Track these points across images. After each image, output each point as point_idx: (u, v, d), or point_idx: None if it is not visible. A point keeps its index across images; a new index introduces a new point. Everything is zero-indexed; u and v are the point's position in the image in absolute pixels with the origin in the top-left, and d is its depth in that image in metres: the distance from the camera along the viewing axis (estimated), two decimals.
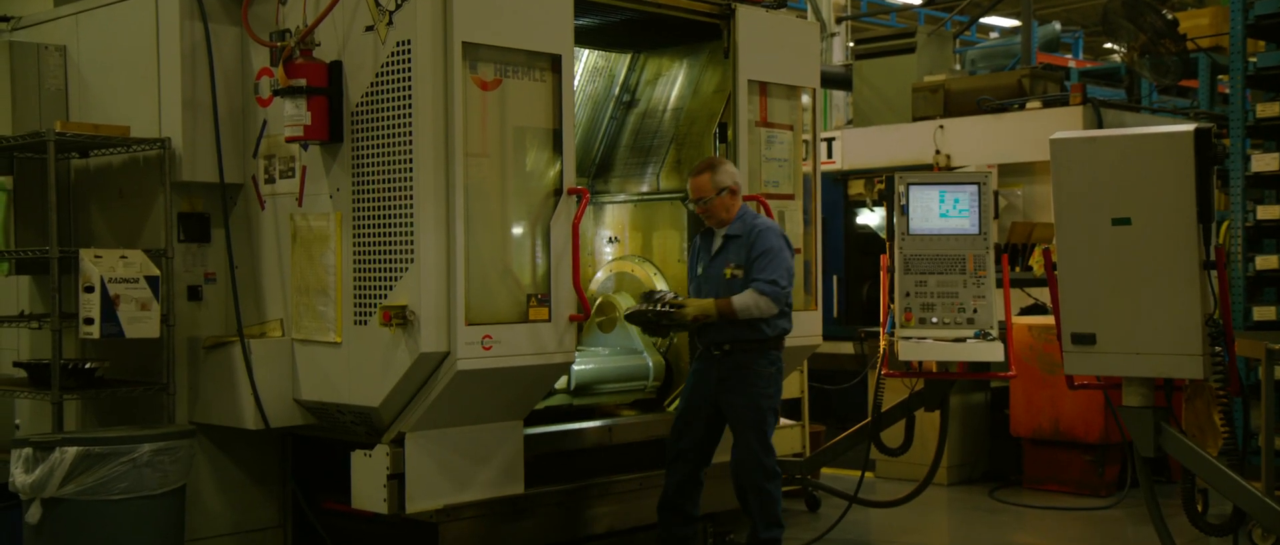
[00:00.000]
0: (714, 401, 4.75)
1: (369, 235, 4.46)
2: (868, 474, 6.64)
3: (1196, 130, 4.23)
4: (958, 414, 6.53)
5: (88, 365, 4.65)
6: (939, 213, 5.38)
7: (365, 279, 4.48)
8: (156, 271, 4.54)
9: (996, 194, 6.93)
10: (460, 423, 4.53)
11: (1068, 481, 6.66)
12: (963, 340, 5.20)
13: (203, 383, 4.82)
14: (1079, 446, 6.60)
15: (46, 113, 5.05)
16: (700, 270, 4.83)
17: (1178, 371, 4.28)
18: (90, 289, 4.36)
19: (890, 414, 5.55)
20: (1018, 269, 7.10)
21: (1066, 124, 7.20)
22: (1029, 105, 7.82)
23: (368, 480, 4.48)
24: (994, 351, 5.17)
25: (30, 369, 4.78)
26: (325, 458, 4.98)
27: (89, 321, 4.36)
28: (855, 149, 8.82)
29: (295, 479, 5.09)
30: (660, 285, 5.53)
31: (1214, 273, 4.30)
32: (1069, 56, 12.57)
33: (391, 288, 4.39)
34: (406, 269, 4.34)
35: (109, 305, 4.36)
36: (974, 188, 5.37)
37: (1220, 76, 8.98)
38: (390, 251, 4.39)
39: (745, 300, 4.61)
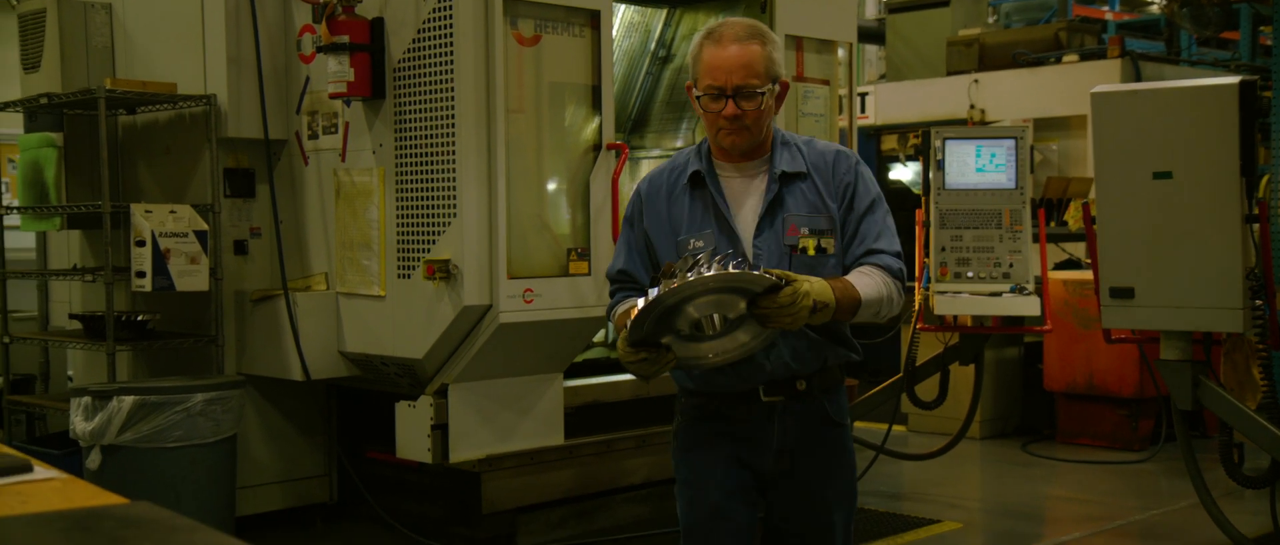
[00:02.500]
0: (770, 494, 2.61)
1: (412, 190, 4.52)
2: (900, 428, 6.71)
3: (1241, 83, 4.21)
4: (991, 368, 6.56)
5: (140, 317, 4.75)
6: (975, 167, 5.38)
7: (408, 233, 4.55)
8: (205, 226, 4.63)
9: (1032, 148, 6.90)
10: (502, 374, 4.60)
11: (1101, 436, 6.69)
12: (998, 295, 5.22)
13: (250, 335, 4.92)
14: (1113, 401, 6.62)
15: (94, 70, 5.12)
16: (691, 244, 2.53)
17: (1218, 325, 4.30)
18: (141, 243, 4.45)
19: (924, 368, 5.59)
20: (1053, 224, 7.09)
21: (1104, 77, 7.15)
22: (1066, 59, 7.77)
23: (411, 431, 4.57)
24: (1029, 306, 5.19)
25: (85, 321, 4.89)
26: (369, 409, 5.08)
27: (141, 275, 4.46)
28: (889, 104, 8.79)
29: (340, 429, 5.20)
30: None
31: (1255, 226, 4.30)
32: (1106, 8, 12.42)
33: (434, 242, 4.45)
34: (449, 223, 4.40)
35: (160, 259, 4.46)
36: (1011, 142, 5.36)
37: (1262, 27, 8.87)
38: (433, 206, 4.45)
39: (876, 286, 2.49)
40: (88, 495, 1.53)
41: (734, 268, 2.22)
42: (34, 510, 1.43)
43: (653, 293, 2.22)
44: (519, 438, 4.68)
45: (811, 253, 2.50)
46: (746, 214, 2.54)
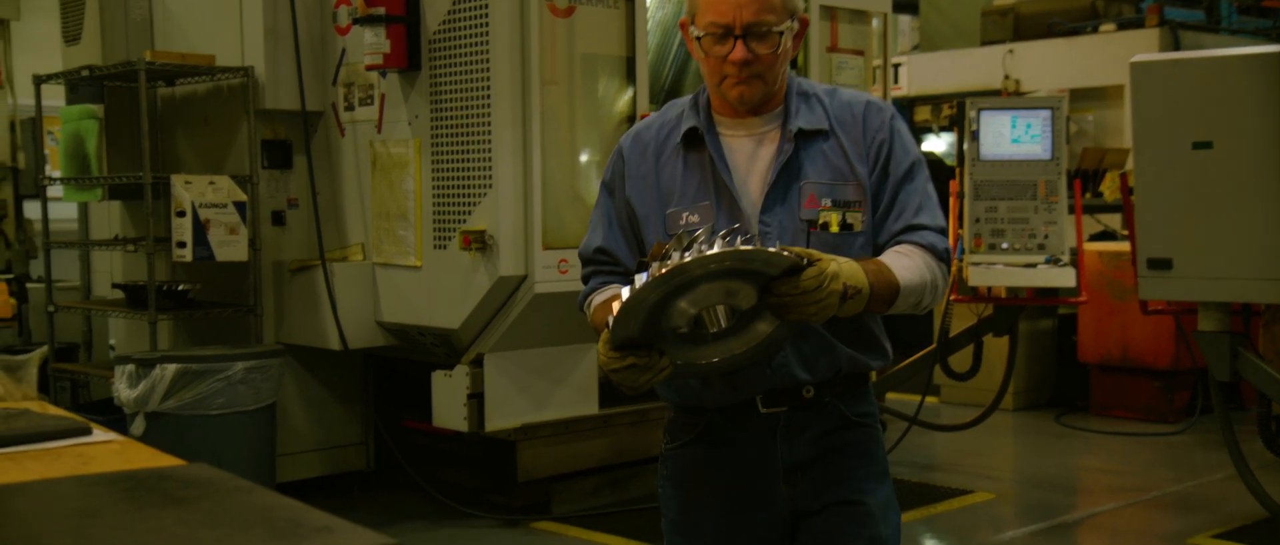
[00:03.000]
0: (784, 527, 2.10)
1: (447, 161, 4.55)
2: (933, 399, 6.70)
3: None
4: (1025, 340, 6.54)
5: (180, 287, 4.81)
6: (1010, 138, 5.35)
7: (444, 204, 4.58)
8: (243, 197, 4.67)
9: (1068, 119, 6.85)
10: (537, 344, 4.64)
11: (1135, 408, 6.66)
12: (1033, 266, 5.21)
13: (288, 305, 4.98)
14: (1148, 373, 6.58)
15: (133, 43, 5.17)
16: (685, 219, 2.05)
17: (1258, 296, 4.27)
18: (182, 214, 4.50)
19: (958, 339, 5.58)
20: (1089, 195, 7.04)
21: (1142, 47, 7.07)
22: (1102, 28, 7.69)
23: (448, 399, 4.62)
24: (1064, 277, 5.17)
25: (127, 290, 4.96)
26: (406, 378, 5.14)
27: (182, 245, 4.51)
28: (922, 74, 8.73)
29: (377, 398, 5.26)
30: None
31: None
32: None
33: (470, 213, 4.48)
34: (485, 194, 4.42)
35: (200, 229, 4.51)
36: (1047, 113, 5.33)
37: None
38: (468, 177, 4.48)
39: (918, 270, 2.01)
40: (146, 457, 1.57)
41: (742, 245, 1.72)
42: (96, 471, 1.47)
43: (641, 279, 1.70)
44: (554, 407, 4.72)
45: (835, 230, 1.98)
46: (754, 182, 2.01)
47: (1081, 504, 5.33)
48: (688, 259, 1.69)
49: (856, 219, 2.01)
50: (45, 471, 1.47)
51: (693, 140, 2.04)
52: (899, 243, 2.01)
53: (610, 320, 1.76)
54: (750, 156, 2.03)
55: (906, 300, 1.94)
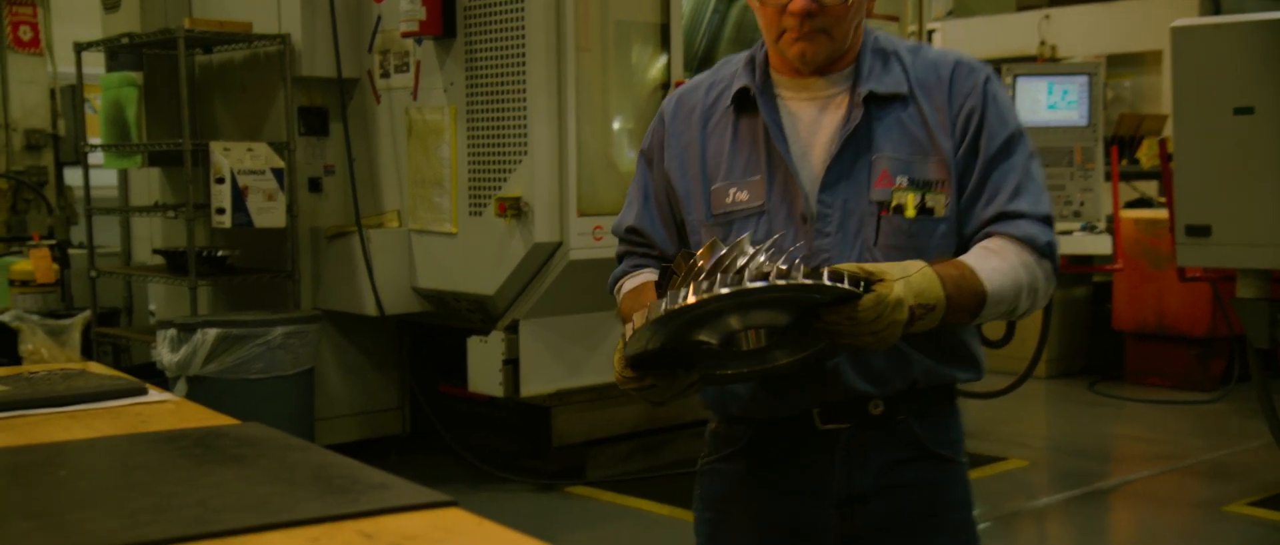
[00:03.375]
0: None
1: (482, 128, 4.57)
2: None
3: None
4: (1059, 307, 6.51)
5: (219, 253, 4.87)
6: (1047, 104, 5.32)
7: (479, 171, 4.60)
8: (281, 163, 4.72)
9: (1105, 85, 6.79)
10: (571, 311, 4.67)
11: (1171, 376, 6.63)
12: (1068, 233, 5.19)
13: (324, 271, 5.03)
14: (1184, 340, 6.55)
15: (171, 10, 5.21)
16: (732, 196, 1.76)
17: None
18: (221, 180, 4.55)
19: None
20: (1126, 162, 6.99)
21: (1181, 11, 6.98)
22: None
23: (483, 365, 4.66)
24: (1100, 244, 5.15)
25: (168, 256, 5.03)
26: (441, 344, 5.18)
27: (221, 211, 4.57)
28: (956, 40, 8.66)
29: (412, 363, 5.31)
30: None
31: None
32: None
33: (505, 179, 4.50)
34: (520, 161, 4.44)
35: (238, 196, 4.56)
36: (1084, 79, 5.29)
37: None
38: (504, 144, 4.50)
39: (1011, 271, 1.66)
40: (201, 416, 1.60)
41: (786, 268, 1.42)
42: (154, 429, 1.50)
43: (663, 306, 1.41)
44: (588, 372, 4.76)
45: (911, 214, 1.66)
46: (816, 154, 1.69)
47: (1115, 471, 5.33)
48: (721, 285, 1.38)
49: (938, 202, 1.68)
50: (107, 429, 1.51)
51: (745, 103, 1.72)
52: (990, 235, 1.66)
53: (626, 331, 1.47)
54: (812, 124, 1.70)
55: (995, 309, 1.60)
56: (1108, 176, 5.35)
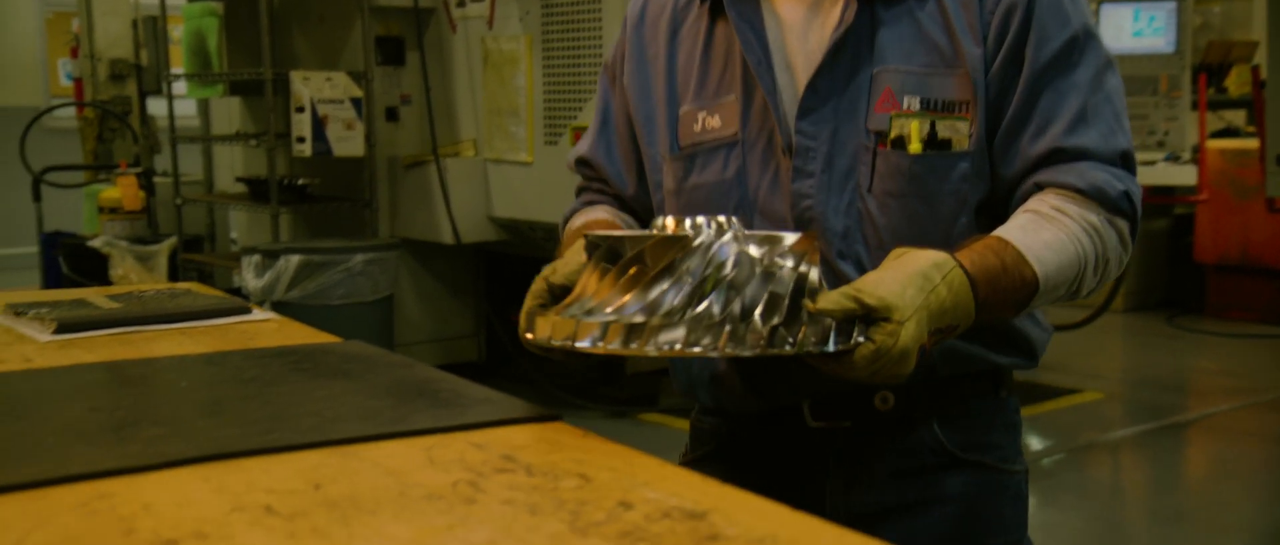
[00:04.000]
0: None
1: (558, 57, 4.57)
2: None
3: None
4: (1139, 239, 6.40)
5: (299, 181, 4.95)
6: (1132, 31, 5.20)
7: (555, 100, 4.62)
8: (359, 93, 4.77)
9: (1193, 11, 6.60)
10: None
11: (1253, 309, 6.51)
12: (1152, 163, 5.09)
13: (401, 200, 5.10)
14: (1268, 273, 6.42)
15: None
16: (702, 122, 1.35)
17: None
18: (301, 109, 4.61)
19: None
20: (1213, 90, 6.81)
21: None
22: None
23: None
24: (1185, 175, 5.05)
25: (250, 184, 5.13)
26: (516, 272, 5.25)
27: (301, 140, 4.64)
28: None
29: (488, 291, 5.39)
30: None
31: None
32: None
33: (581, 108, 4.51)
34: (595, 90, 4.44)
35: (318, 125, 4.62)
36: (1171, 5, 5.15)
37: None
38: (579, 73, 4.50)
39: (1071, 242, 1.19)
40: (304, 334, 1.66)
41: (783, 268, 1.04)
42: (261, 345, 1.56)
43: (603, 342, 1.05)
44: None
45: (915, 148, 1.24)
46: (802, 67, 1.30)
47: (1193, 405, 5.27)
48: (658, 346, 1.02)
49: (957, 131, 1.24)
50: (217, 345, 1.56)
51: (719, 4, 1.34)
52: (1044, 189, 1.22)
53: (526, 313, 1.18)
54: (802, 31, 1.30)
55: (1049, 297, 1.18)
56: (1194, 105, 5.23)
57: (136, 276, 4.94)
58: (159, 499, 0.95)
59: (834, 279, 1.26)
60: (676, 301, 1.03)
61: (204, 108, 6.01)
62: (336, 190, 5.17)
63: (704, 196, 1.34)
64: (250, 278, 4.31)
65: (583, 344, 1.05)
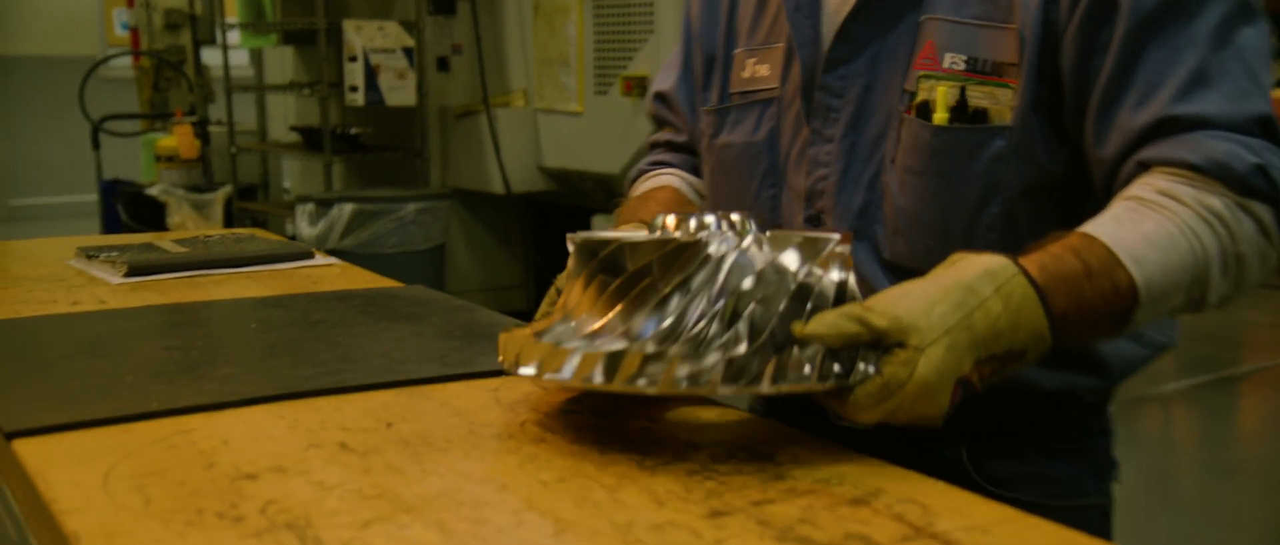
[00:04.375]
0: None
1: (608, 6, 4.56)
2: None
3: None
4: None
5: (352, 131, 5.00)
6: None
7: (605, 50, 4.61)
8: (411, 42, 4.79)
9: None
10: None
11: None
12: None
13: (452, 149, 5.13)
14: None
15: None
16: (750, 69, 1.22)
17: None
18: (354, 59, 4.64)
19: None
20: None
21: None
22: None
23: None
24: None
25: (303, 133, 5.18)
26: (565, 222, 5.26)
27: (354, 89, 4.67)
28: None
29: (537, 241, 5.42)
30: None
31: None
32: None
33: (631, 58, 4.51)
34: (645, 40, 4.43)
35: (371, 74, 4.65)
36: None
37: None
38: (629, 23, 4.49)
39: (1184, 237, 0.92)
40: (367, 279, 1.69)
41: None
42: (324, 289, 1.59)
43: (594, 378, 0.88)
44: None
45: (941, 119, 1.04)
46: (836, 9, 1.12)
47: (1247, 358, 5.21)
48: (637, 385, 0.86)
49: (998, 102, 1.03)
50: (283, 288, 1.60)
51: None
52: (1147, 166, 0.96)
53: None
54: None
55: (1164, 304, 0.92)
56: (1276, 55, 5.12)
57: (192, 224, 5.02)
58: (236, 435, 0.98)
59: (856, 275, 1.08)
60: (697, 328, 0.87)
61: (257, 57, 6.07)
62: (388, 140, 5.21)
63: (733, 158, 1.20)
64: (304, 226, 4.37)
65: (565, 375, 0.88)
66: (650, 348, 0.87)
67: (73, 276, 1.69)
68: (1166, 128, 0.96)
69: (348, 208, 4.32)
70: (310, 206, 4.36)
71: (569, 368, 0.88)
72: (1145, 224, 0.92)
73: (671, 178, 1.34)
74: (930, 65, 1.06)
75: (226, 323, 1.40)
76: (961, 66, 1.04)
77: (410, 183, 4.99)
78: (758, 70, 1.19)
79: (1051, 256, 0.90)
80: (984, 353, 0.85)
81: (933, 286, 0.86)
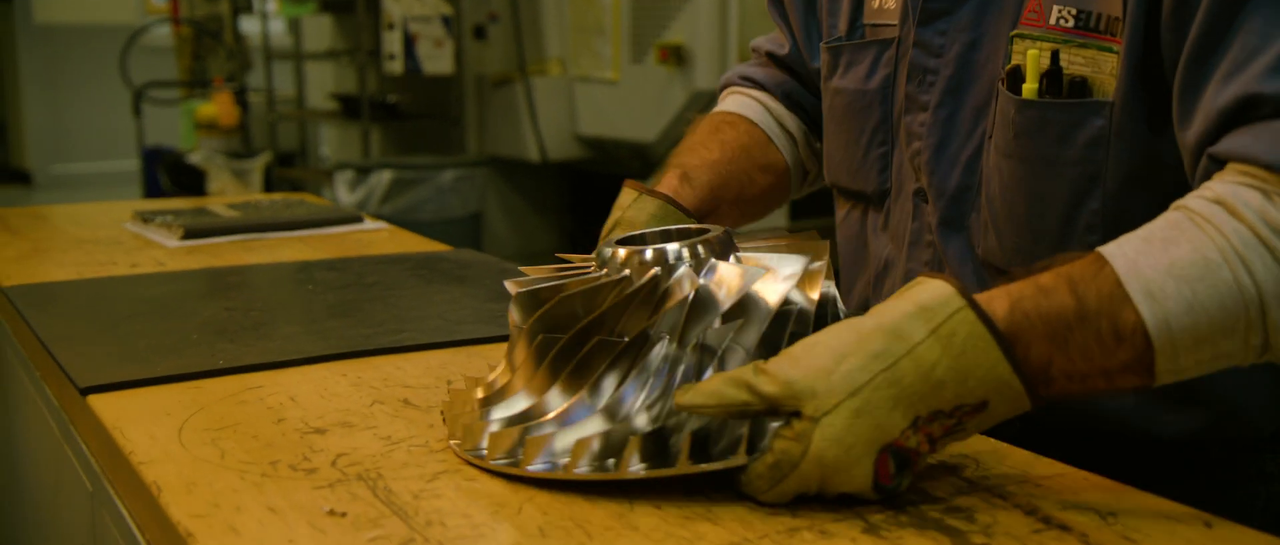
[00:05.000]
0: None
1: None
2: None
3: None
4: None
5: (390, 99, 5.03)
6: None
7: (641, 18, 4.61)
8: (449, 10, 4.81)
9: None
10: None
11: None
12: None
13: (489, 117, 5.15)
14: None
15: None
16: (880, 2, 1.05)
17: None
18: (392, 27, 4.67)
19: None
20: None
21: None
22: None
23: None
24: None
25: (343, 101, 5.22)
26: (600, 190, 5.29)
27: (392, 57, 4.70)
28: None
29: (572, 209, 5.45)
30: None
31: None
32: None
33: (667, 26, 4.50)
34: (682, 8, 4.43)
35: (409, 42, 4.68)
36: None
37: None
38: None
39: (1233, 256, 0.70)
40: (416, 243, 1.72)
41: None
42: (376, 253, 1.62)
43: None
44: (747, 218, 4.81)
45: (1030, 89, 0.88)
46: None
47: None
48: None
49: (1101, 70, 0.86)
50: (336, 251, 1.63)
51: None
52: (1219, 162, 0.76)
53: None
54: None
55: (1194, 353, 0.71)
56: None
57: (233, 190, 5.08)
58: (302, 391, 1.01)
59: (937, 264, 0.98)
60: (652, 394, 0.76)
61: (295, 26, 6.10)
62: (425, 108, 5.24)
63: (843, 107, 1.06)
64: (343, 193, 4.41)
65: (541, 466, 0.78)
66: (643, 424, 0.75)
67: (129, 240, 1.73)
68: (1253, 110, 0.74)
69: (386, 175, 4.35)
70: (349, 173, 4.41)
71: (545, 459, 0.77)
72: (1178, 246, 0.71)
73: (750, 105, 1.17)
74: (1037, 20, 0.89)
75: (284, 284, 1.43)
76: (1070, 22, 0.87)
77: (447, 151, 5.03)
78: (887, 3, 1.03)
79: (1036, 288, 0.72)
80: (923, 410, 0.69)
81: (849, 334, 0.70)
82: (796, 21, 1.15)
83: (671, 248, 0.80)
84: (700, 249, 0.80)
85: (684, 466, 0.73)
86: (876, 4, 1.04)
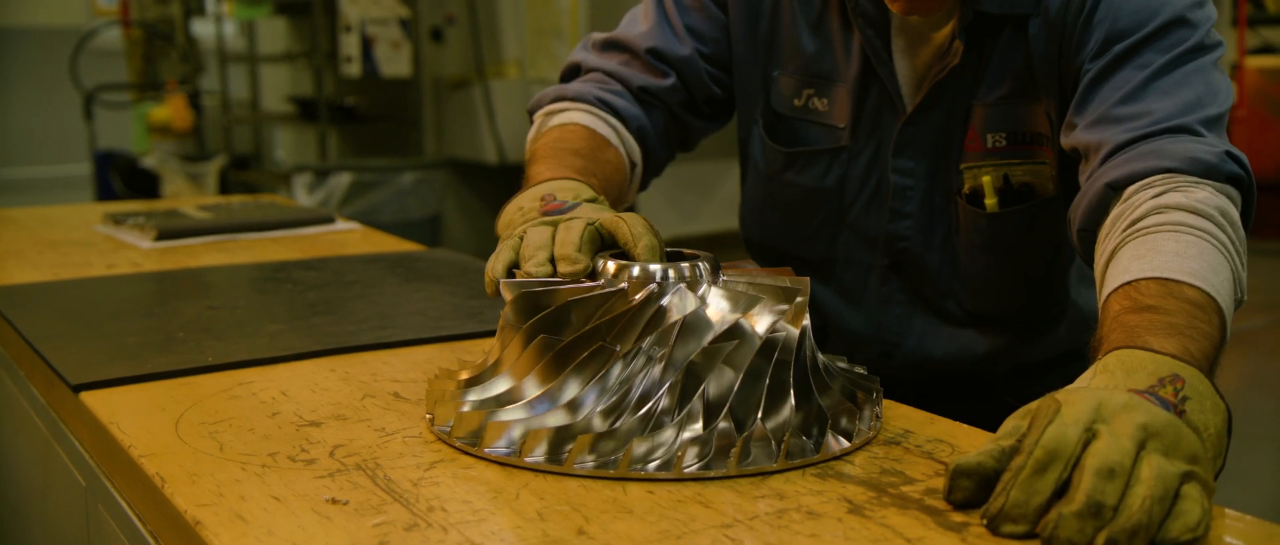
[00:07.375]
0: None
1: None
2: None
3: None
4: None
5: (347, 101, 5.02)
6: None
7: (599, 20, 4.64)
8: (407, 13, 4.81)
9: None
10: (688, 159, 4.72)
11: None
12: None
13: (447, 119, 5.15)
14: None
15: None
16: (806, 100, 1.23)
17: None
18: (349, 29, 4.66)
19: None
20: (1251, 8, 6.74)
21: None
22: None
23: None
24: None
25: (300, 103, 5.20)
26: None
27: (349, 60, 4.69)
28: None
29: None
30: None
31: None
32: None
33: None
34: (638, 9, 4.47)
35: (366, 44, 4.67)
36: None
37: None
38: None
39: (1216, 251, 0.91)
40: (389, 242, 1.74)
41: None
42: (351, 252, 1.64)
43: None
44: (703, 219, 4.86)
45: (991, 204, 1.14)
46: (905, 82, 1.17)
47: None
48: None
49: (1040, 176, 1.13)
50: (311, 251, 1.65)
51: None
52: (1116, 190, 0.97)
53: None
54: (909, 47, 1.16)
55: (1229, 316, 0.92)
56: (1233, 23, 5.19)
57: (187, 194, 5.04)
58: (293, 387, 1.04)
59: (935, 319, 1.24)
60: (647, 405, 0.80)
61: (247, 28, 6.06)
62: (382, 110, 5.23)
63: (795, 197, 1.25)
64: (302, 195, 4.40)
65: (501, 450, 0.83)
66: (599, 424, 0.80)
67: (102, 241, 1.73)
68: (1157, 144, 0.99)
69: (345, 177, 4.35)
70: (308, 176, 4.40)
71: (505, 443, 0.82)
72: (1198, 251, 0.89)
73: (586, 116, 1.23)
74: (976, 146, 1.15)
75: (264, 284, 1.45)
76: (1003, 143, 1.13)
77: (404, 153, 5.02)
78: (815, 103, 1.21)
79: (1193, 331, 0.84)
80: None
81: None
82: (697, 72, 1.26)
83: (657, 268, 0.86)
84: (700, 266, 0.87)
85: (733, 469, 0.79)
86: (799, 102, 1.22)
